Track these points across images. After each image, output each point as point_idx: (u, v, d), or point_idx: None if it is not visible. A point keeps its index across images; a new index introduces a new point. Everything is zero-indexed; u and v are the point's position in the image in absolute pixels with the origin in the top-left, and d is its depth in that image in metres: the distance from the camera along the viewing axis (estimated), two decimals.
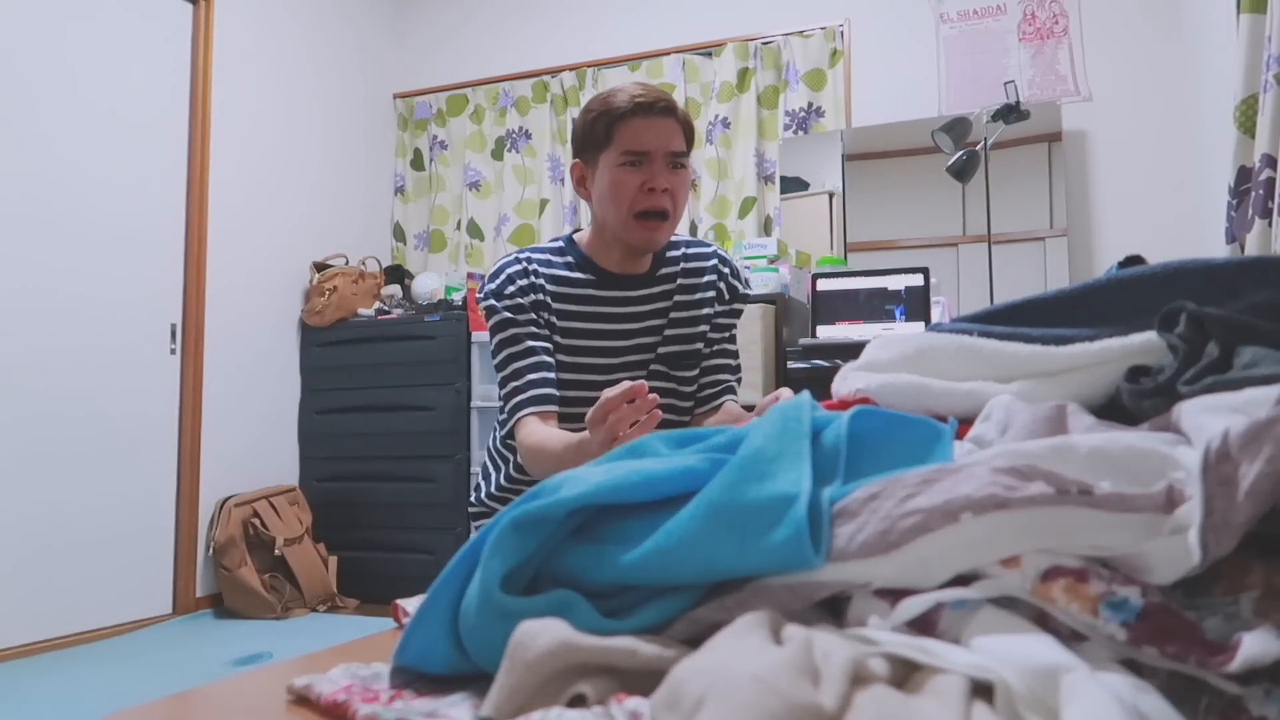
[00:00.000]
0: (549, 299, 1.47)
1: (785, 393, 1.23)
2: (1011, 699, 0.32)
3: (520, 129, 4.32)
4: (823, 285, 3.21)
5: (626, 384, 1.10)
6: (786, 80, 3.85)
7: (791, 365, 3.11)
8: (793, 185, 3.81)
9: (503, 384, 1.45)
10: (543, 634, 0.40)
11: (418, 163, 4.56)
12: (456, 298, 3.83)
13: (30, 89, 3.00)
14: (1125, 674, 0.33)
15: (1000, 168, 3.49)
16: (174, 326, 3.44)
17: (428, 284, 3.97)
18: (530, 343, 1.44)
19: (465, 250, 4.36)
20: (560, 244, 1.53)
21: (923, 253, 3.55)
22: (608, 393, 1.10)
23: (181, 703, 0.51)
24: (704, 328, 1.55)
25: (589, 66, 4.17)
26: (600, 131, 1.42)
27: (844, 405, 0.63)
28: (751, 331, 3.05)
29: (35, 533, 2.93)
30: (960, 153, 3.42)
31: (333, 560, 3.63)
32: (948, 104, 3.64)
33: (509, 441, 1.50)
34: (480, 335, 3.55)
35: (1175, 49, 3.36)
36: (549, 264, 1.49)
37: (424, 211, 4.54)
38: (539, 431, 1.36)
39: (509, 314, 1.45)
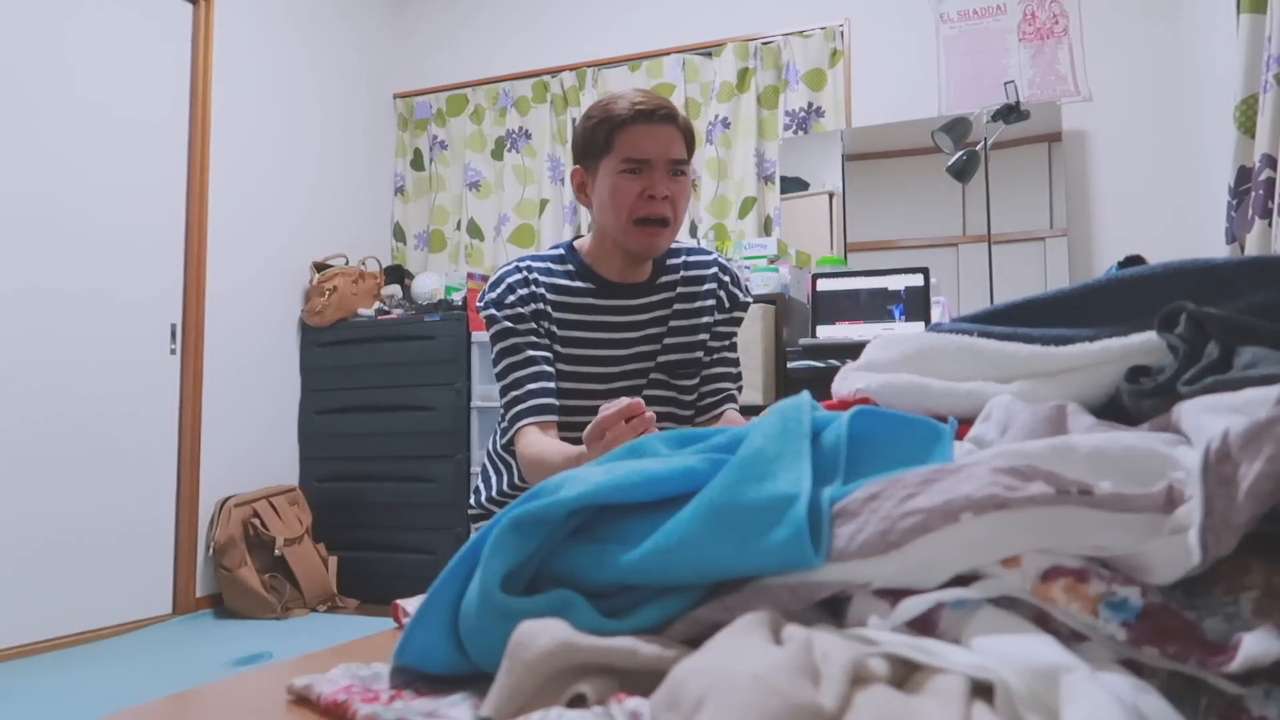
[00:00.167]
0: (549, 308, 1.47)
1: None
2: (1011, 699, 0.32)
3: (520, 129, 4.32)
4: (823, 285, 3.21)
5: (624, 401, 1.10)
6: (786, 80, 3.85)
7: (791, 365, 3.11)
8: (793, 185, 3.81)
9: (503, 393, 1.45)
10: (543, 634, 0.40)
11: (418, 163, 4.56)
12: (456, 298, 3.82)
13: (30, 89, 3.00)
14: (1125, 674, 0.33)
15: (1000, 168, 3.49)
16: (174, 326, 3.44)
17: (428, 284, 3.97)
18: (530, 352, 1.44)
19: (465, 250, 4.36)
20: (561, 251, 1.53)
21: (923, 253, 3.55)
22: (605, 410, 1.11)
23: (181, 703, 0.51)
24: (704, 336, 1.55)
25: (589, 66, 4.17)
26: (601, 138, 1.42)
27: (844, 405, 0.63)
28: (752, 331, 3.05)
29: (35, 533, 2.93)
30: (960, 153, 3.42)
31: (333, 560, 3.63)
32: (948, 104, 3.64)
33: (511, 448, 1.50)
34: (480, 335, 3.55)
35: (1175, 49, 3.36)
36: (549, 272, 1.49)
37: (424, 211, 4.54)
38: (538, 443, 1.36)
39: (509, 323, 1.44)
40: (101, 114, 3.22)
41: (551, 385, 1.43)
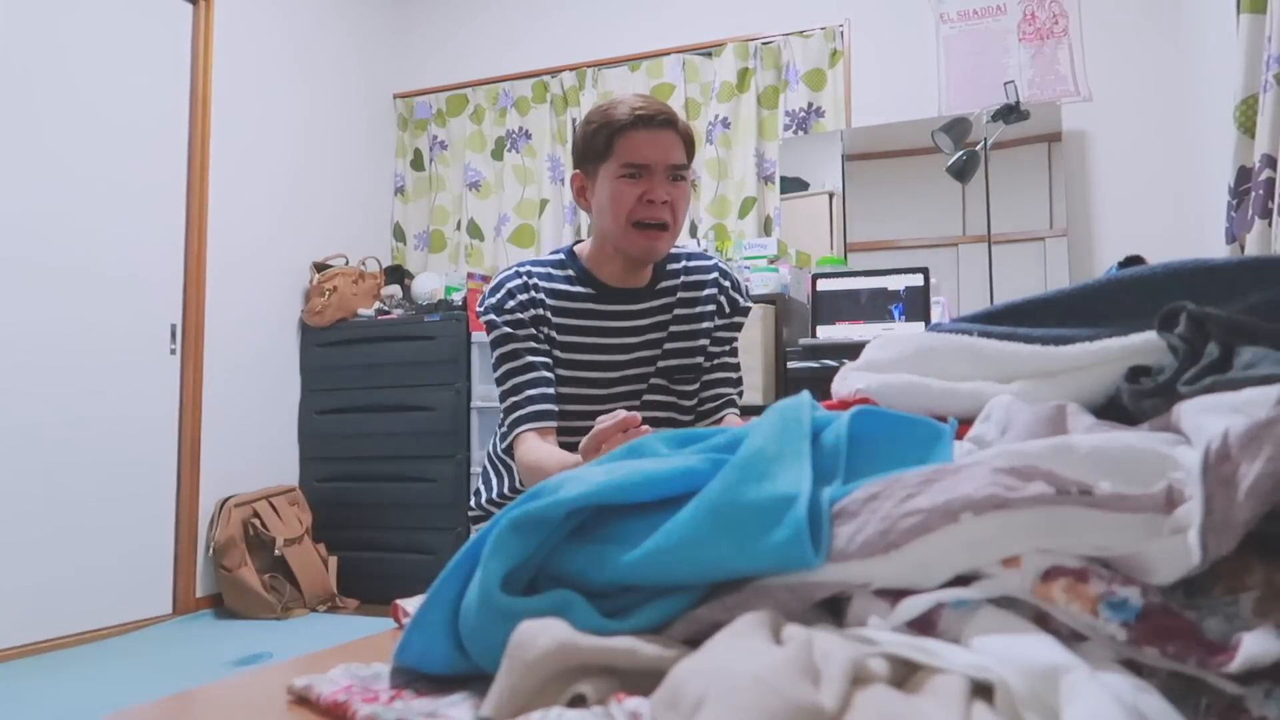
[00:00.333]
0: (549, 313, 1.47)
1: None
2: (1011, 699, 0.32)
3: (520, 129, 4.32)
4: (823, 285, 3.21)
5: (621, 413, 1.11)
6: (786, 80, 3.85)
7: (791, 365, 3.11)
8: (793, 185, 3.81)
9: (503, 398, 1.45)
10: (543, 634, 0.40)
11: (418, 163, 4.56)
12: (456, 298, 3.83)
13: (29, 89, 3.00)
14: (1125, 674, 0.33)
15: (1000, 168, 3.49)
16: (174, 326, 3.44)
17: (428, 284, 3.98)
18: (530, 358, 1.44)
19: (465, 250, 4.36)
20: (561, 256, 1.53)
21: (923, 253, 3.55)
22: (601, 422, 1.11)
23: (181, 703, 0.51)
24: (704, 341, 1.55)
25: (589, 66, 4.18)
26: (600, 143, 1.42)
27: (844, 405, 0.63)
28: (752, 332, 3.05)
29: (35, 532, 2.93)
30: (960, 153, 3.42)
31: (333, 560, 3.63)
32: (948, 104, 3.64)
33: (510, 452, 1.50)
34: (480, 336, 3.55)
35: (1175, 49, 3.36)
36: (549, 277, 1.49)
37: (424, 211, 4.54)
38: (537, 450, 1.36)
39: (509, 329, 1.45)
40: (101, 113, 3.22)
41: (550, 391, 1.44)
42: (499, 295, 1.47)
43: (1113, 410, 0.53)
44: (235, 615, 3.37)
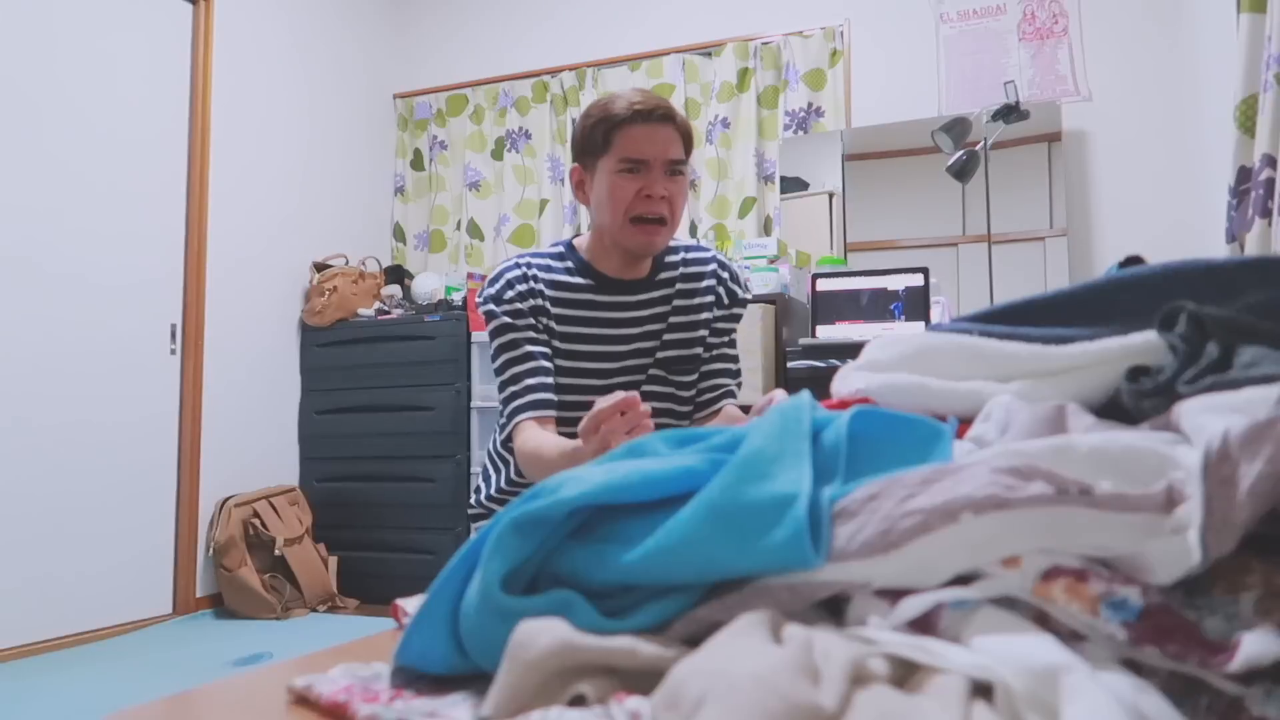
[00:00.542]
0: (548, 304, 1.47)
1: (779, 394, 1.24)
2: (1011, 699, 0.32)
3: (520, 129, 4.32)
4: (822, 285, 3.21)
5: (619, 394, 1.10)
6: (786, 80, 3.85)
7: (791, 365, 3.11)
8: (793, 185, 3.81)
9: (501, 388, 1.46)
10: (543, 634, 0.40)
11: (418, 163, 4.56)
12: (456, 298, 3.83)
13: (28, 89, 3.00)
14: (1125, 674, 0.33)
15: (1000, 168, 3.49)
16: (174, 326, 3.44)
17: (428, 284, 3.98)
18: (529, 348, 1.44)
19: (465, 250, 4.36)
20: (560, 249, 1.54)
21: (923, 253, 3.55)
22: (600, 403, 1.11)
23: (181, 703, 0.51)
24: (703, 332, 1.55)
25: (589, 66, 4.18)
26: (599, 138, 1.42)
27: (844, 405, 0.63)
28: (751, 331, 3.05)
29: (35, 532, 2.93)
30: (960, 153, 3.42)
31: (333, 560, 3.63)
32: (948, 104, 3.64)
33: (509, 445, 1.50)
34: (480, 335, 3.55)
35: (1175, 49, 3.36)
36: (548, 269, 1.50)
37: (424, 211, 4.54)
38: (535, 437, 1.36)
39: (508, 319, 1.45)
40: (101, 114, 3.22)
41: (549, 381, 1.44)
42: (498, 285, 1.47)
43: (1113, 410, 0.53)
44: (235, 615, 3.37)
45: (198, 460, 3.46)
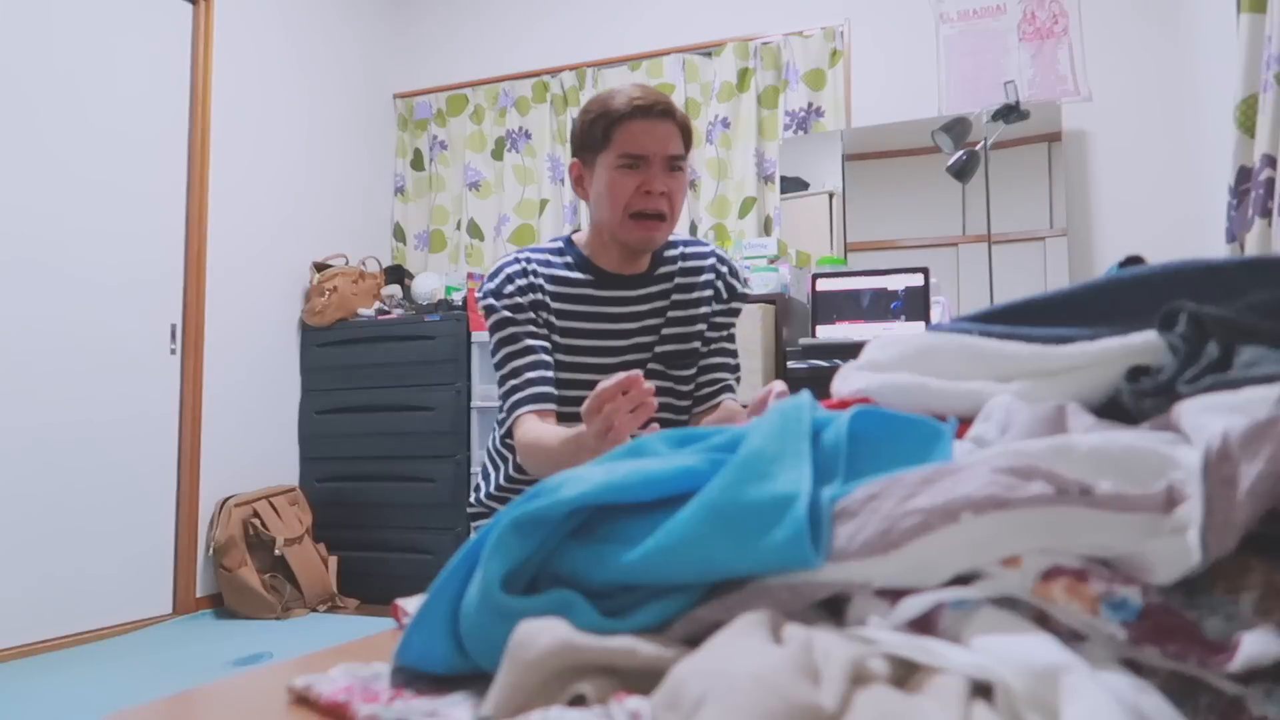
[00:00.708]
0: (548, 299, 1.47)
1: (778, 385, 1.24)
2: (1011, 699, 0.32)
3: (520, 129, 4.32)
4: (822, 285, 3.21)
5: (621, 374, 1.10)
6: (786, 80, 3.85)
7: (791, 365, 3.11)
8: (793, 185, 3.81)
9: (501, 383, 1.46)
10: (543, 634, 0.40)
11: (418, 163, 4.56)
12: (456, 298, 3.83)
13: (28, 90, 3.00)
14: (1125, 674, 0.33)
15: (1000, 168, 3.49)
16: (174, 326, 3.44)
17: (428, 284, 3.98)
18: (529, 341, 1.45)
19: (465, 250, 4.36)
20: (559, 244, 1.54)
21: (923, 253, 3.55)
22: (602, 384, 1.11)
23: (181, 703, 0.51)
24: (701, 327, 1.55)
25: (589, 66, 4.17)
26: (598, 133, 1.42)
27: (844, 405, 0.63)
28: (751, 331, 3.05)
29: (35, 532, 2.93)
30: (960, 153, 3.42)
31: (333, 560, 3.63)
32: (948, 104, 3.64)
33: (508, 441, 1.50)
34: (480, 335, 3.55)
35: (1175, 49, 3.36)
36: (548, 264, 1.50)
37: (424, 211, 4.54)
38: (536, 429, 1.36)
39: (508, 313, 1.45)
40: (101, 114, 3.22)
41: (549, 374, 1.44)
42: (498, 281, 1.47)
43: (1113, 410, 0.53)
44: (235, 615, 3.37)
45: (198, 460, 3.46)
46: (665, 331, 1.53)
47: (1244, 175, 2.25)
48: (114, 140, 3.26)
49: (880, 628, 0.39)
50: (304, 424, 3.91)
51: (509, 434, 1.45)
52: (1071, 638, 0.36)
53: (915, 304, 3.09)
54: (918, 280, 3.10)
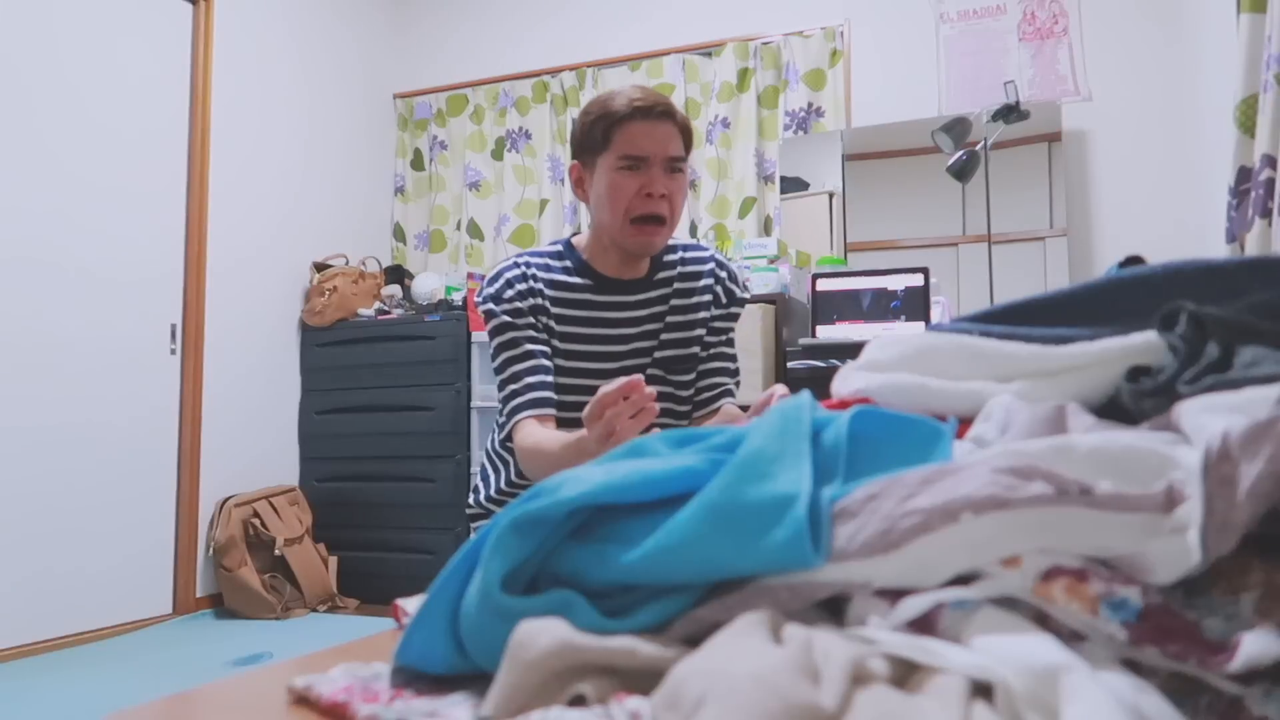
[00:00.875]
0: (547, 303, 1.47)
1: (779, 389, 1.24)
2: (1011, 699, 0.32)
3: (520, 129, 4.32)
4: (822, 285, 3.21)
5: (622, 379, 1.10)
6: (786, 80, 3.85)
7: (791, 365, 3.11)
8: (793, 185, 3.81)
9: (501, 387, 1.46)
10: (543, 634, 0.40)
11: (418, 163, 4.56)
12: (456, 298, 3.83)
13: (28, 90, 3.00)
14: (1125, 674, 0.33)
15: (1000, 168, 3.49)
16: (174, 326, 3.44)
17: (428, 284, 3.98)
18: (528, 346, 1.44)
19: (465, 250, 4.36)
20: (559, 248, 1.53)
21: (923, 253, 3.55)
22: (604, 389, 1.11)
23: (181, 703, 0.51)
24: (700, 331, 1.55)
25: (589, 66, 4.18)
26: (598, 134, 1.42)
27: (844, 405, 0.63)
28: (751, 331, 3.05)
29: (35, 532, 2.93)
30: (960, 153, 3.42)
31: (333, 560, 3.63)
32: (948, 104, 3.64)
33: (508, 444, 1.50)
34: (480, 335, 3.55)
35: (1175, 49, 3.36)
36: (547, 268, 1.50)
37: (424, 211, 4.54)
38: (536, 433, 1.36)
39: (507, 318, 1.45)
40: (101, 114, 3.22)
41: (549, 379, 1.44)
42: (497, 285, 1.47)
43: (1113, 410, 0.53)
44: (235, 615, 3.37)
45: (198, 460, 3.46)
46: (664, 337, 1.53)
47: (1244, 175, 2.25)
48: (114, 140, 3.26)
49: (880, 628, 0.39)
50: (304, 424, 3.91)
51: (509, 438, 1.45)
52: (1071, 638, 0.36)
53: (915, 304, 3.09)
54: (918, 280, 3.10)
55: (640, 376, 1.11)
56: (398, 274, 4.17)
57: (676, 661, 0.37)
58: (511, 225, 4.28)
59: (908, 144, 3.63)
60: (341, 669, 0.50)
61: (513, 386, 1.43)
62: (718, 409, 1.56)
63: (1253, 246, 2.15)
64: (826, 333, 3.16)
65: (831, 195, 3.75)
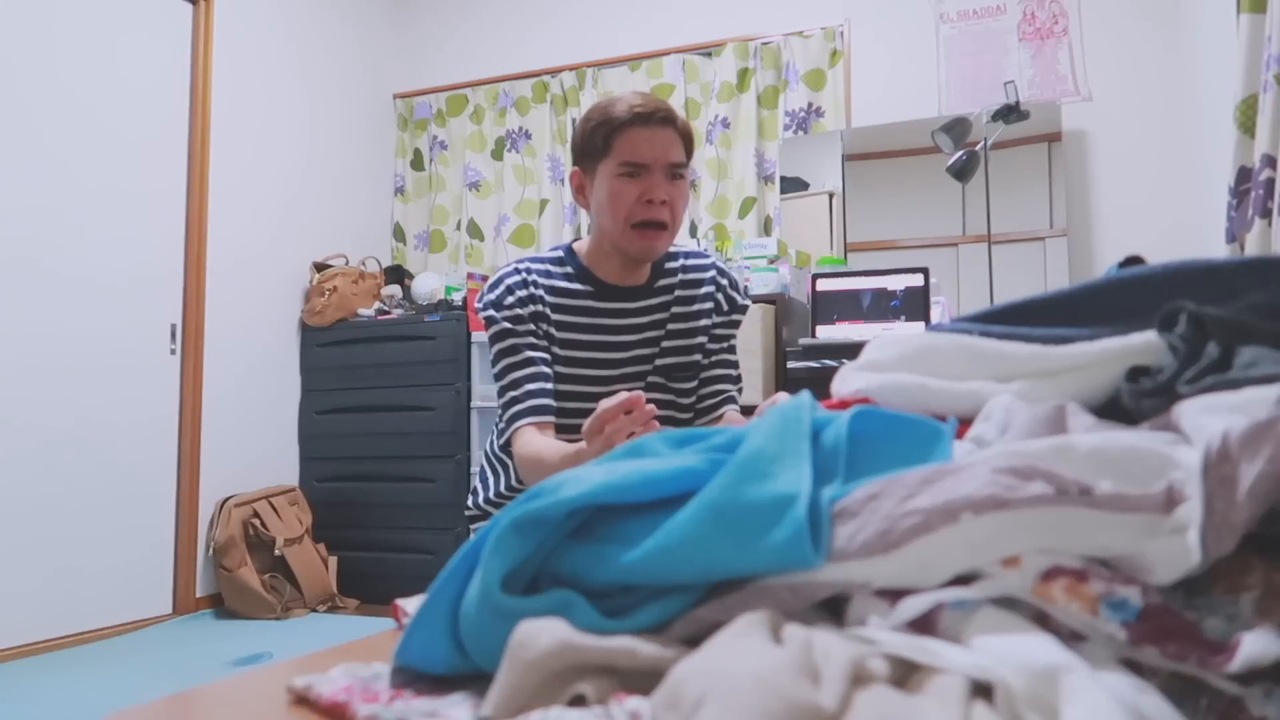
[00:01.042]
0: (548, 310, 1.47)
1: (782, 398, 1.24)
2: (1011, 699, 0.32)
3: (520, 129, 4.32)
4: (822, 285, 3.21)
5: (623, 395, 1.10)
6: (786, 80, 3.85)
7: (791, 365, 3.11)
8: (793, 185, 3.81)
9: (501, 393, 1.45)
10: (543, 634, 0.40)
11: (418, 163, 4.56)
12: (456, 298, 3.83)
13: (27, 90, 3.00)
14: (1125, 674, 0.33)
15: (1000, 168, 3.49)
16: (174, 326, 3.44)
17: (428, 284, 3.98)
18: (529, 353, 1.44)
19: (465, 250, 4.36)
20: (560, 254, 1.53)
21: (923, 253, 3.55)
22: (604, 404, 1.10)
23: (181, 703, 0.51)
24: (702, 339, 1.55)
25: (589, 67, 4.18)
26: (599, 141, 1.41)
27: (844, 405, 0.63)
28: (751, 332, 3.05)
29: (35, 532, 2.93)
30: (960, 153, 3.42)
31: (333, 560, 3.63)
32: (948, 104, 3.64)
33: (508, 449, 1.50)
34: (480, 336, 3.55)
35: (1175, 49, 3.36)
36: (548, 274, 1.49)
37: (424, 211, 4.54)
38: (535, 442, 1.36)
39: (508, 324, 1.45)
40: (101, 114, 3.22)
41: (549, 386, 1.44)
42: (498, 291, 1.47)
43: (1113, 410, 0.53)
44: (235, 615, 3.37)
45: (198, 460, 3.46)
46: (666, 344, 1.53)
47: (1244, 175, 2.25)
48: (114, 140, 3.26)
49: (880, 628, 0.39)
50: (304, 424, 3.91)
51: (508, 444, 1.45)
52: (1071, 638, 0.36)
53: (915, 304, 3.09)
54: (918, 280, 3.10)
55: (640, 392, 1.11)
56: (398, 274, 4.17)
57: (676, 661, 0.37)
58: (511, 225, 4.28)
59: (908, 144, 3.63)
60: (341, 669, 0.50)
61: (512, 393, 1.43)
62: (720, 416, 1.56)
63: (1253, 246, 2.15)
64: (826, 333, 3.16)
65: (831, 195, 3.75)
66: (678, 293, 1.54)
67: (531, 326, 1.46)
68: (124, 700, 2.32)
